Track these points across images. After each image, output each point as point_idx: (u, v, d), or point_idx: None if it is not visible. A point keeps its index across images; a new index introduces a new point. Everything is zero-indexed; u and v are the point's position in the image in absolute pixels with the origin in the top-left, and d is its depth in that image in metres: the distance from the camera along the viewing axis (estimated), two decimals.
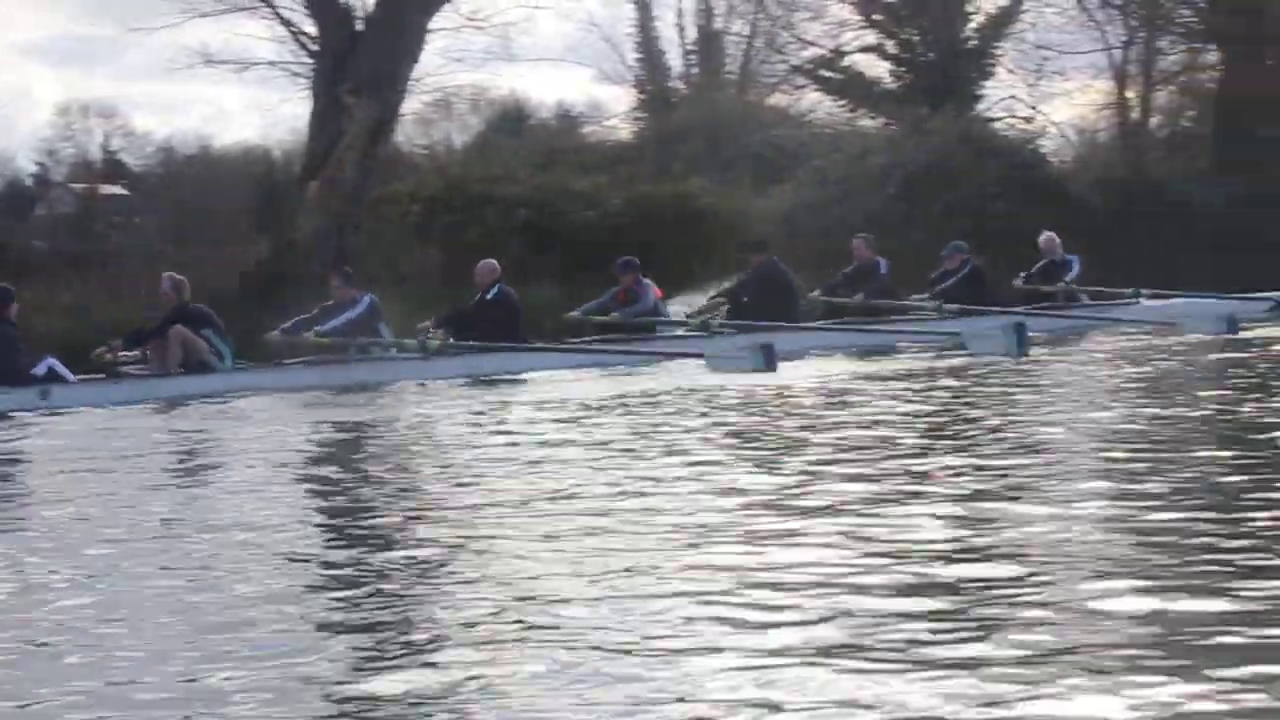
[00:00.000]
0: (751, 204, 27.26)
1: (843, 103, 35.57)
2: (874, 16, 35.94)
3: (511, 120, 34.86)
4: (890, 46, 35.78)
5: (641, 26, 35.60)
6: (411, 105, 31.21)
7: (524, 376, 14.74)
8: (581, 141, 33.25)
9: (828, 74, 36.21)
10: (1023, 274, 19.57)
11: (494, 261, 16.47)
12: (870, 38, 36.57)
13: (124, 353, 14.84)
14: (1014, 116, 36.36)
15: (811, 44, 37.47)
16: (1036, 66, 37.82)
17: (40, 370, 13.79)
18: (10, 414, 12.72)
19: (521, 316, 16.25)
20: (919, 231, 23.00)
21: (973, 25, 35.98)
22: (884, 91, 35.28)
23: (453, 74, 34.11)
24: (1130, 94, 39.10)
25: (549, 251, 24.63)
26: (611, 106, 38.37)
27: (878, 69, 36.30)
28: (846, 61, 36.47)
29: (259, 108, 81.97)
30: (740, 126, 30.51)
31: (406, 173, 29.36)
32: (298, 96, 27.80)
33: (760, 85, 37.45)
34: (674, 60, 36.16)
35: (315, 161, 25.59)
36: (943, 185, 26.90)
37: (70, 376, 14.00)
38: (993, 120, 35.25)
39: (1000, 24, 36.55)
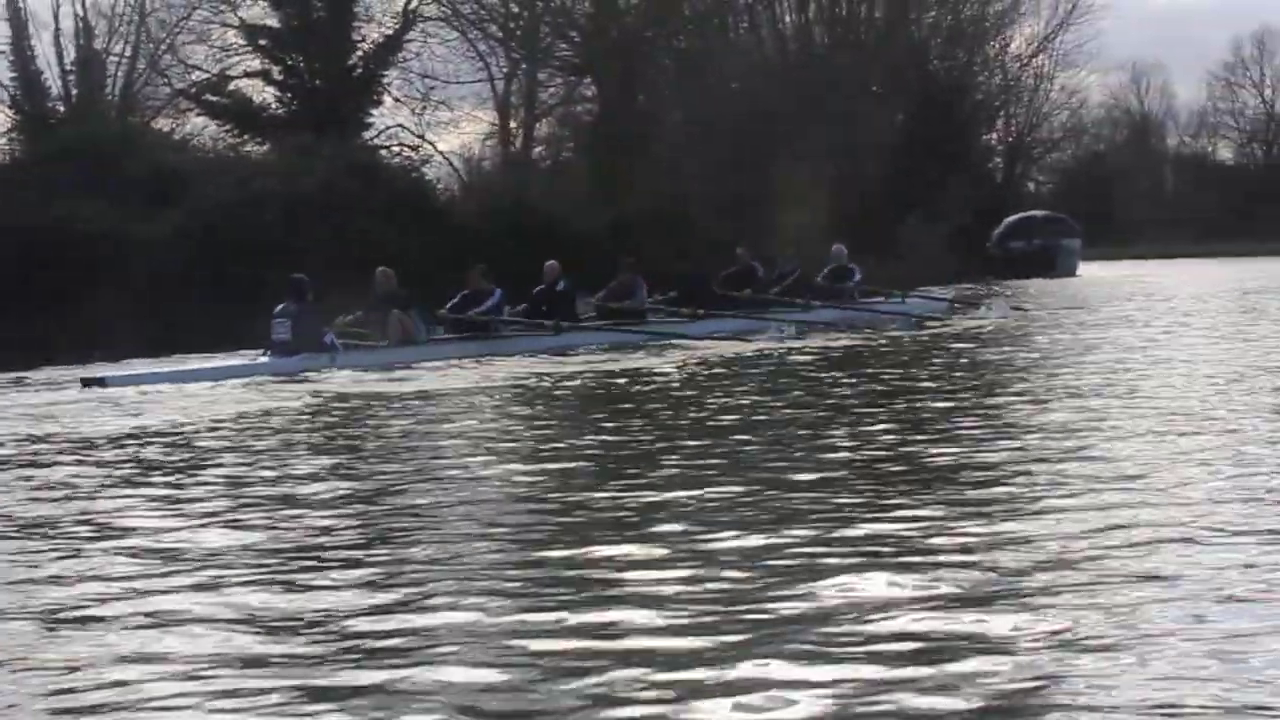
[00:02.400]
0: (135, 230, 26.44)
1: (228, 128, 35.24)
2: (260, 42, 35.79)
3: None
4: (276, 72, 35.71)
5: (16, 44, 34.13)
6: None
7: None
8: None
9: (213, 98, 35.80)
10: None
11: (556, 262, 20.22)
12: (256, 63, 36.43)
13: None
14: (401, 145, 36.98)
15: (196, 68, 37.01)
16: (422, 95, 38.65)
17: (328, 340, 16.68)
18: (310, 373, 15.65)
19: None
20: (308, 257, 22.89)
21: (359, 53, 36.33)
22: (270, 117, 35.17)
23: None
24: (514, 124, 40.50)
25: None
26: None
27: (264, 95, 36.20)
28: (232, 86, 36.18)
29: None
30: (123, 150, 29.63)
31: None
32: None
33: (144, 108, 36.64)
34: (53, 80, 34.87)
35: None
36: (328, 211, 26.95)
37: (339, 346, 16.87)
38: (380, 148, 35.71)
39: (387, 52, 37.07)
